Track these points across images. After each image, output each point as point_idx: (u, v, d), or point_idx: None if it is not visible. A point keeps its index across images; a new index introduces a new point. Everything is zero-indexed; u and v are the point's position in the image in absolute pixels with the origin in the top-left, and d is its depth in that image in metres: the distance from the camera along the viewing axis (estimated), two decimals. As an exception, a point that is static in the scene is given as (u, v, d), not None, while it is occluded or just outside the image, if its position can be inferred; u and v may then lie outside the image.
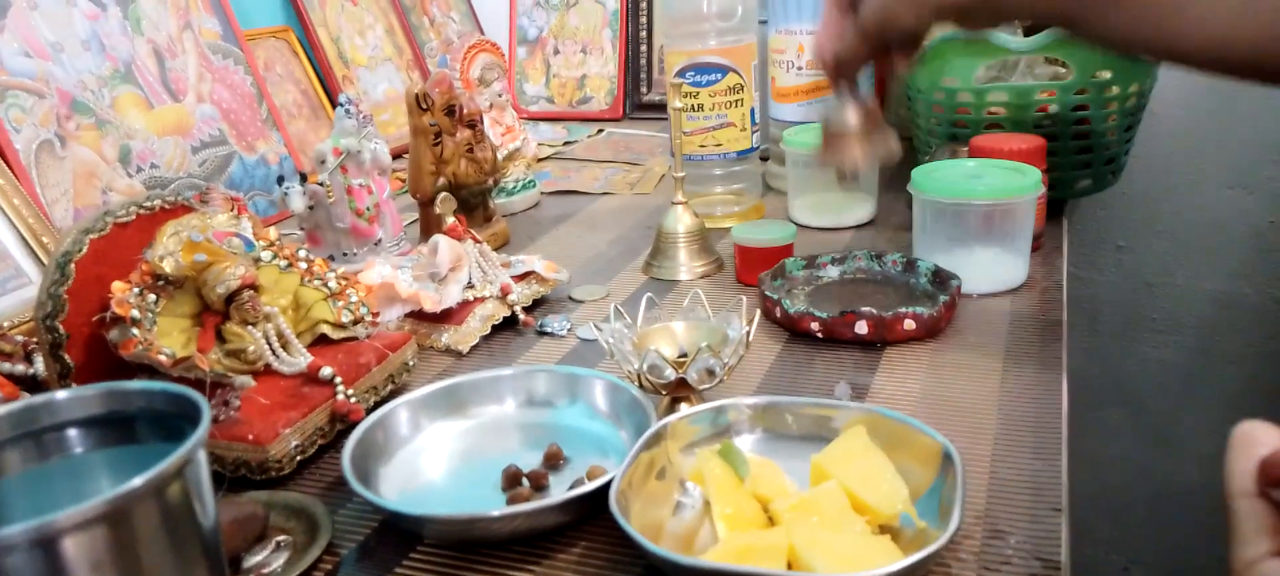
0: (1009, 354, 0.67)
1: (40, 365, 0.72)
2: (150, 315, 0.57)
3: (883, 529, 0.47)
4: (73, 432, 0.37)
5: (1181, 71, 0.56)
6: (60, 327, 0.56)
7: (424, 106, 0.90)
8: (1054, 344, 0.68)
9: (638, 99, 1.57)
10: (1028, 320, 0.72)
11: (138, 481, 0.30)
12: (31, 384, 0.72)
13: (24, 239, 0.83)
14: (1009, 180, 0.77)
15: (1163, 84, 1.05)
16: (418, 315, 0.76)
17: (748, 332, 0.59)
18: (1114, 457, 1.52)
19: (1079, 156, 0.94)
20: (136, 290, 0.57)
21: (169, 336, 0.58)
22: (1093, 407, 1.51)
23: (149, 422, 0.37)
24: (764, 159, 1.14)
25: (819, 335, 0.71)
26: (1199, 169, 1.37)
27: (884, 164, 0.70)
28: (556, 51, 1.61)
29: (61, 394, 0.37)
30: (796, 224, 0.94)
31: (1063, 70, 0.93)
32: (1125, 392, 1.49)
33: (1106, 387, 1.50)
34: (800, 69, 1.04)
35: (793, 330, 0.72)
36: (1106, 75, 0.91)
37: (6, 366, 0.71)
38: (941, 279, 0.75)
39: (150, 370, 0.57)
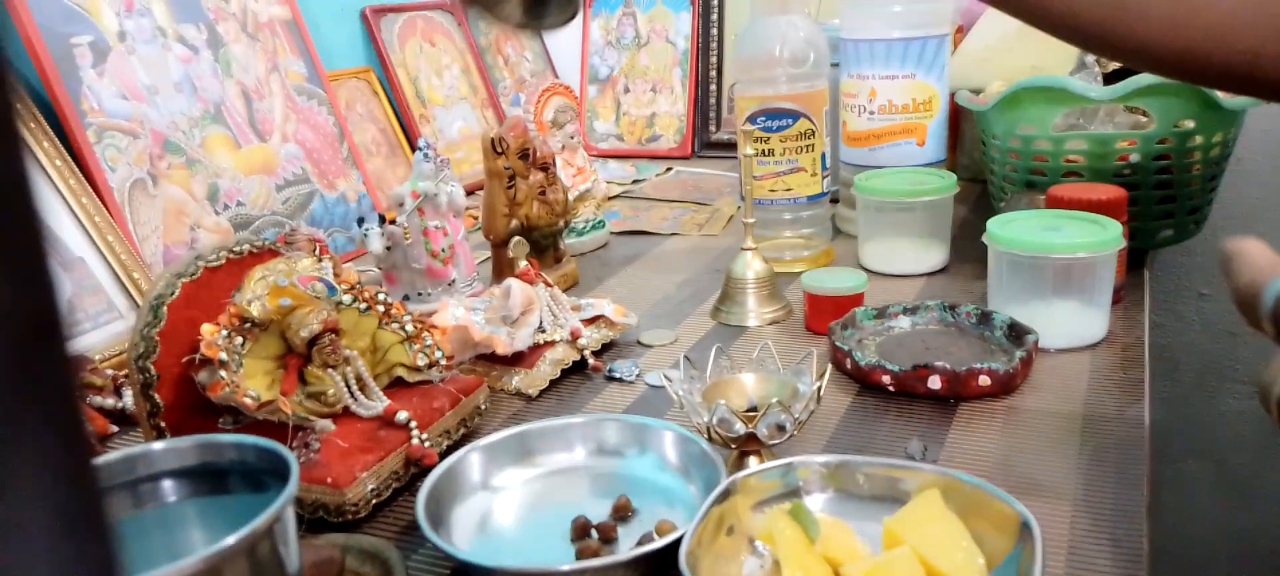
0: (1088, 412, 0.66)
1: (128, 398, 0.74)
2: (237, 357, 0.59)
3: (957, 597, 0.46)
4: (167, 483, 0.39)
5: (1272, 118, 0.55)
6: (151, 368, 0.58)
7: (499, 150, 0.91)
8: (1135, 404, 0.66)
9: (706, 138, 1.58)
10: (1107, 377, 0.71)
11: (231, 540, 0.31)
12: (120, 417, 0.75)
13: (116, 275, 0.87)
14: (1089, 233, 0.75)
15: (1248, 130, 1.02)
16: (489, 357, 0.77)
17: (819, 388, 0.59)
18: (1194, 511, 1.47)
19: (1161, 207, 0.92)
20: (224, 332, 0.59)
21: (254, 377, 0.60)
22: (1172, 460, 1.46)
23: (239, 475, 0.38)
24: (834, 201, 1.14)
25: (890, 388, 0.70)
26: (1287, 216, 1.32)
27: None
28: (627, 90, 1.62)
29: (158, 445, 0.39)
30: (867, 270, 0.93)
31: (1144, 119, 0.91)
32: (1205, 445, 1.44)
33: (1186, 439, 1.45)
34: (872, 114, 1.04)
35: (863, 382, 0.72)
36: (1190, 125, 0.89)
37: (97, 399, 0.74)
38: (1017, 333, 0.74)
39: (235, 411, 0.59)
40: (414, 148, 1.05)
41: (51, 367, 0.09)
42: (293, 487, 0.34)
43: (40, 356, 0.09)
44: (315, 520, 0.58)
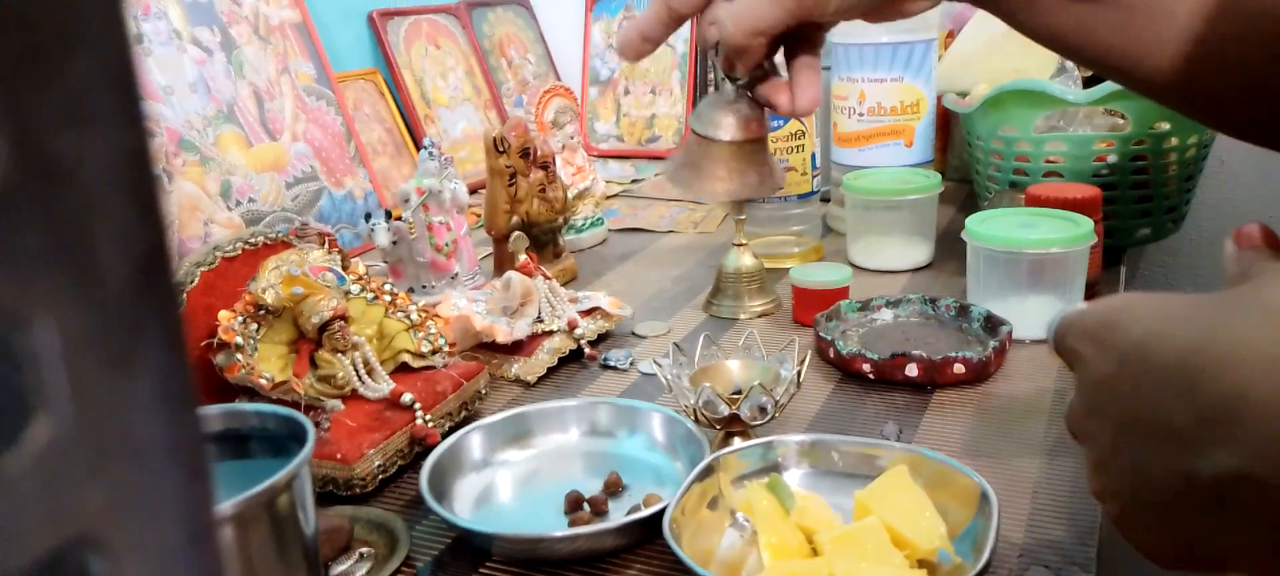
0: (1057, 399, 0.69)
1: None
2: (252, 342, 0.63)
3: (921, 563, 0.50)
4: (195, 447, 0.42)
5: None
6: (173, 351, 0.62)
7: (501, 149, 0.95)
8: (1101, 391, 0.70)
9: (705, 138, 1.62)
10: (1077, 367, 0.74)
11: (255, 491, 0.35)
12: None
13: (135, 266, 0.91)
14: (1062, 230, 0.79)
15: (1227, 134, 1.06)
16: (490, 346, 0.81)
17: (798, 372, 0.63)
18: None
19: (1138, 206, 0.96)
20: (240, 319, 0.63)
21: (268, 361, 0.64)
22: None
23: (260, 441, 0.42)
24: (825, 200, 1.18)
25: (870, 376, 0.74)
26: (1268, 215, 1.36)
27: (757, 196, 0.58)
28: (627, 92, 1.66)
29: (186, 413, 0.43)
30: (854, 266, 0.97)
31: (1121, 121, 0.94)
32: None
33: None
34: (861, 115, 1.07)
35: (845, 370, 0.75)
36: (1165, 127, 0.92)
37: (119, 384, 0.78)
38: (993, 324, 0.77)
39: (251, 392, 0.62)
40: (419, 147, 1.09)
41: (165, 290, 0.13)
42: (309, 448, 0.38)
43: (156, 279, 0.12)
44: (325, 493, 0.62)
